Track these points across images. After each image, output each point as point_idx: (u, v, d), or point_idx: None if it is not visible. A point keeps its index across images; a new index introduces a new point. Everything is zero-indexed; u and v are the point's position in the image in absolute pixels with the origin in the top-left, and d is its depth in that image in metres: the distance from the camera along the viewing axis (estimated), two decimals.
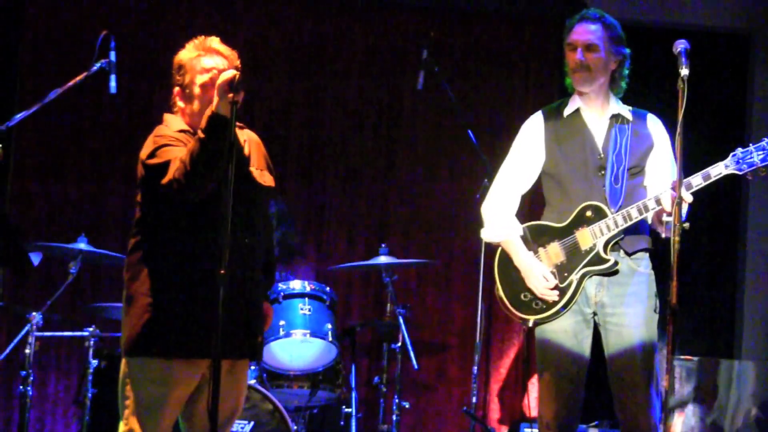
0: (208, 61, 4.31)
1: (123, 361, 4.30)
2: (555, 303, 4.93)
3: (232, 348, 4.18)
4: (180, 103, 4.37)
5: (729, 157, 4.75)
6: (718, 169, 4.74)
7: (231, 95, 4.00)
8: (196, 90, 4.28)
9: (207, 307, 4.05)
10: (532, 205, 5.83)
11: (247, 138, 4.49)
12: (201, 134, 4.01)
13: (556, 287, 4.95)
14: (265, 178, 4.46)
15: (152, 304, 4.20)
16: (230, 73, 4.04)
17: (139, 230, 4.31)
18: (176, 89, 4.38)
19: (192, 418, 4.34)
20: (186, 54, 4.36)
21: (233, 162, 3.94)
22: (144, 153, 4.24)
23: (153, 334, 4.19)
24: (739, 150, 4.74)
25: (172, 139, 4.22)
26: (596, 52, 4.99)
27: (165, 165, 4.12)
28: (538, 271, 4.98)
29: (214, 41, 4.39)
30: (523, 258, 5.04)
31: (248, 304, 4.31)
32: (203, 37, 4.41)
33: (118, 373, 4.33)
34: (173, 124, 4.33)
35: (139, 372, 4.24)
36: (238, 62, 4.39)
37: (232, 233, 3.91)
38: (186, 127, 4.31)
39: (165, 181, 4.09)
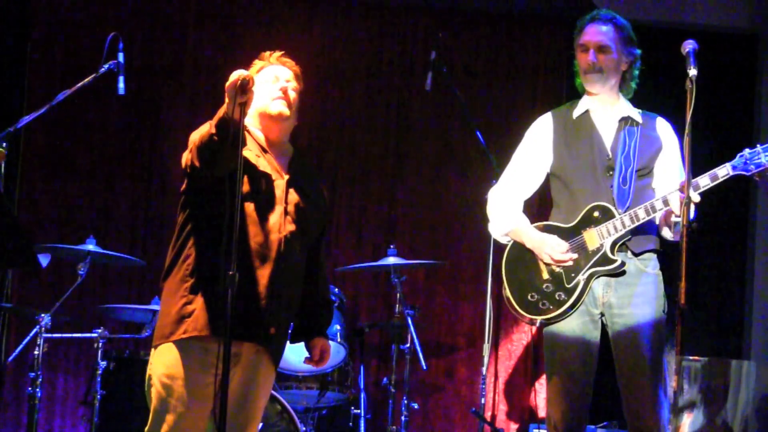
0: (271, 69, 4.48)
1: (150, 355, 4.35)
2: (562, 303, 4.93)
3: (239, 330, 4.16)
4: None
5: (736, 158, 4.74)
6: (726, 170, 4.73)
7: (239, 97, 4.05)
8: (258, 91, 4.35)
9: (223, 294, 4.06)
10: (540, 207, 5.84)
11: (310, 165, 4.71)
12: (212, 128, 4.07)
13: (569, 251, 4.94)
14: (320, 202, 4.60)
15: (177, 292, 4.27)
16: (237, 75, 4.07)
17: (180, 221, 4.38)
18: None
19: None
20: (251, 69, 4.49)
21: (241, 161, 4.02)
22: None
23: (173, 320, 4.24)
24: (747, 150, 4.74)
25: None
26: (608, 54, 5.00)
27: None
28: (549, 240, 4.98)
29: (278, 55, 4.55)
30: (533, 237, 5.04)
31: (271, 296, 4.30)
32: (268, 52, 4.56)
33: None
34: None
35: (159, 358, 4.27)
36: (301, 83, 4.57)
37: (275, 228, 4.23)
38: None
39: (185, 160, 4.24)
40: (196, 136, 4.21)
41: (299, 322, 4.68)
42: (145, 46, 8.17)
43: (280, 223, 4.32)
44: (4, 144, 5.25)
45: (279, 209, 4.34)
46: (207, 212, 4.27)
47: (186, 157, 4.23)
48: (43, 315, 6.29)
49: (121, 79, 5.85)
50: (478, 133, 6.72)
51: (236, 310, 4.02)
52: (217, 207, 4.22)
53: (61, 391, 7.85)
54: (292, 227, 4.36)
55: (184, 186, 4.39)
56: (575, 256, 4.94)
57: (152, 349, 4.34)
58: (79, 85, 5.71)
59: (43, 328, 6.27)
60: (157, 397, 4.26)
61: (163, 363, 4.26)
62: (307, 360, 4.70)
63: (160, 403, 4.25)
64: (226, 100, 4.08)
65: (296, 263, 4.43)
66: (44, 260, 6.42)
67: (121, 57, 5.82)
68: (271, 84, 4.43)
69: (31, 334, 6.33)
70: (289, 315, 4.48)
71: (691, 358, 6.55)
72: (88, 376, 6.82)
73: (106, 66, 5.80)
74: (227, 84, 4.10)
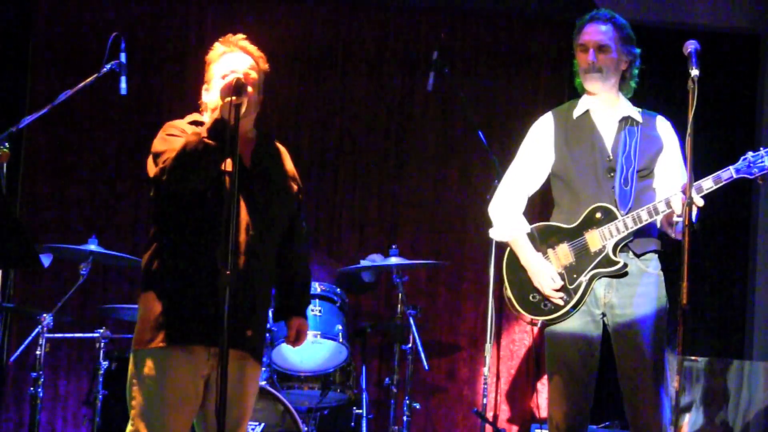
0: (229, 58, 4.35)
1: (130, 359, 4.32)
2: (564, 304, 4.93)
3: (213, 337, 4.03)
4: (204, 99, 4.38)
5: (740, 161, 4.74)
6: (729, 173, 4.73)
7: (233, 98, 4.02)
8: (214, 85, 4.29)
9: (205, 298, 4.09)
10: (542, 207, 5.83)
11: (275, 147, 4.56)
12: (203, 132, 4.04)
13: (562, 289, 4.95)
14: (288, 185, 4.50)
15: (155, 298, 4.24)
16: (232, 77, 4.06)
17: (153, 227, 4.35)
18: (204, 86, 4.40)
19: (204, 420, 4.32)
20: (213, 53, 4.40)
21: (236, 164, 3.99)
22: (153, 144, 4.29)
23: (152, 326, 4.21)
24: (750, 154, 4.73)
25: (180, 130, 4.25)
26: (608, 53, 5.00)
27: (160, 154, 4.16)
28: (545, 272, 4.98)
29: (240, 39, 4.41)
30: (530, 258, 5.04)
31: (244, 298, 4.25)
32: (230, 35, 4.43)
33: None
34: (189, 117, 4.37)
35: (140, 365, 4.24)
36: (265, 65, 4.44)
37: (242, 227, 4.16)
38: (200, 119, 4.33)
39: (154, 171, 4.16)
40: (173, 145, 4.12)
41: (278, 303, 4.66)
42: (147, 46, 8.16)
43: (246, 221, 4.27)
44: (6, 144, 5.26)
45: (242, 206, 4.26)
46: (178, 219, 4.24)
47: (156, 169, 4.14)
48: (45, 315, 6.29)
49: (123, 79, 5.87)
50: (479, 133, 6.72)
51: (209, 318, 4.01)
52: (189, 213, 4.20)
53: (62, 391, 7.85)
54: (259, 224, 4.30)
55: (152, 194, 4.33)
56: (561, 302, 4.96)
57: (131, 355, 4.31)
58: (81, 85, 5.72)
59: (45, 328, 6.28)
60: (138, 401, 4.23)
61: (143, 368, 4.23)
62: (285, 339, 4.67)
63: (140, 408, 4.22)
64: (219, 102, 4.07)
65: (266, 257, 4.38)
66: (46, 260, 6.41)
67: (123, 57, 5.83)
68: (222, 79, 4.24)
69: (33, 334, 6.34)
70: (265, 310, 4.47)
71: (692, 358, 6.56)
72: (90, 376, 6.82)
73: (108, 66, 5.81)
74: (221, 86, 4.10)
